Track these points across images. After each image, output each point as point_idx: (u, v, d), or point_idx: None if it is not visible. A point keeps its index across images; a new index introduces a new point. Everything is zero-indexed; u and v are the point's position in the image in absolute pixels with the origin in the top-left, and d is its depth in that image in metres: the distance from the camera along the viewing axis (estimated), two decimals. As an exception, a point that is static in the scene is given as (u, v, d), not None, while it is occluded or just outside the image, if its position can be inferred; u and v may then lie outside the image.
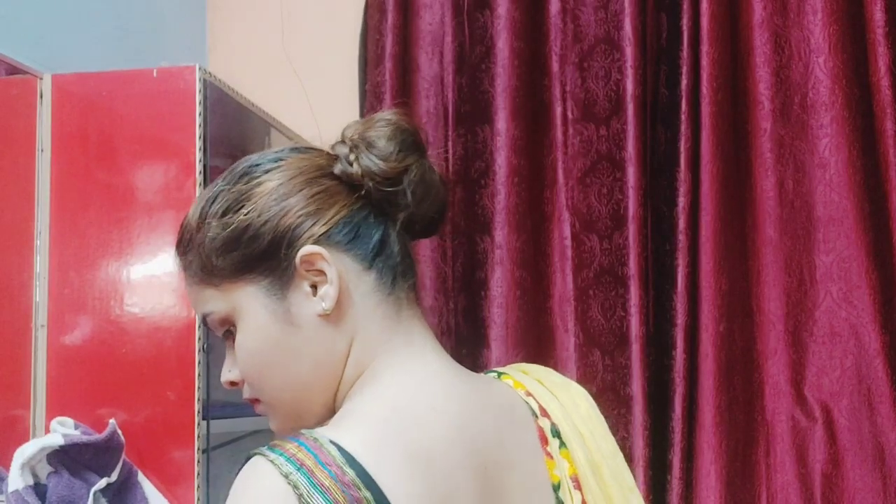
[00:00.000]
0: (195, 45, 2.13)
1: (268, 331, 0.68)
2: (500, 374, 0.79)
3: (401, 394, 0.67)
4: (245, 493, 0.59)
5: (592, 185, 1.83)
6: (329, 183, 0.69)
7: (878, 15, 1.65)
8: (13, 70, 1.41)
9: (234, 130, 1.77)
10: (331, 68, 2.09)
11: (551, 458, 0.72)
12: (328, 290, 0.67)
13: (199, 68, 1.40)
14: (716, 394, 1.70)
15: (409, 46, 1.96)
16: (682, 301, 1.71)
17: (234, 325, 0.70)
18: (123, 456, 1.29)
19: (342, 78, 2.07)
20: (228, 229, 0.68)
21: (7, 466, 1.21)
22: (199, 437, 1.33)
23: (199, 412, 1.33)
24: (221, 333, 0.72)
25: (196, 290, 0.71)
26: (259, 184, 0.69)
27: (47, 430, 1.29)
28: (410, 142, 0.71)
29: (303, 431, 0.62)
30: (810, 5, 1.73)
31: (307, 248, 0.66)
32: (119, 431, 1.28)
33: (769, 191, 1.74)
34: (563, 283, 1.84)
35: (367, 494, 0.57)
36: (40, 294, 1.40)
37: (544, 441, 0.73)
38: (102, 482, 1.24)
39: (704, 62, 1.73)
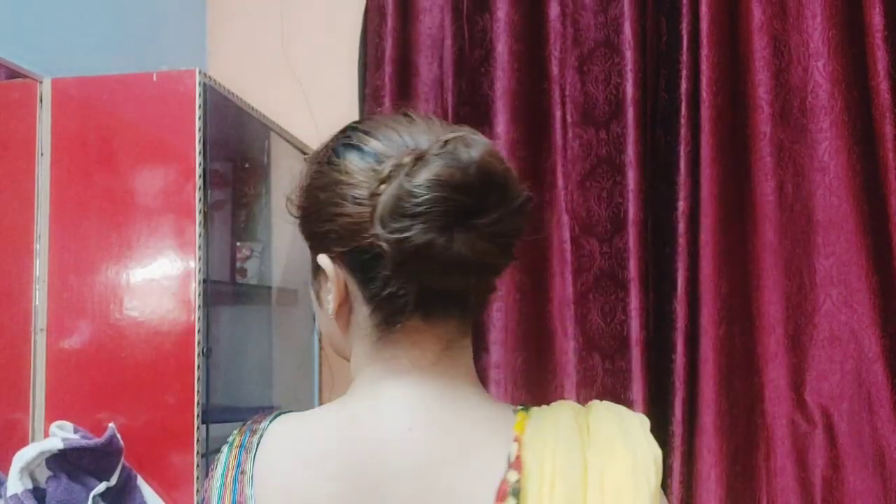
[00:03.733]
0: (195, 49, 2.13)
1: (313, 291, 0.76)
2: (523, 408, 0.71)
3: (340, 415, 0.70)
4: None
5: (592, 189, 1.83)
6: (363, 210, 0.65)
7: (876, 19, 1.65)
8: (13, 74, 1.41)
9: (233, 134, 1.77)
10: (330, 72, 2.10)
11: None
12: (329, 299, 0.70)
13: (199, 72, 1.40)
14: (716, 397, 1.70)
15: (408, 50, 1.96)
16: (683, 305, 1.71)
17: None
18: (122, 460, 1.28)
19: (342, 82, 2.07)
20: (294, 202, 0.73)
21: (6, 470, 1.21)
22: (198, 441, 1.33)
23: (198, 416, 1.33)
24: None
25: None
26: (318, 175, 0.70)
27: (46, 434, 1.29)
28: (442, 210, 0.62)
29: (266, 415, 0.72)
30: (809, 9, 1.73)
31: (321, 258, 0.70)
32: (118, 435, 1.27)
33: (769, 194, 1.74)
34: (563, 286, 1.84)
35: (249, 478, 0.68)
36: (40, 298, 1.40)
37: (501, 496, 0.64)
38: (101, 486, 1.24)
39: (704, 66, 1.73)
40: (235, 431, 0.72)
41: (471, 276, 0.67)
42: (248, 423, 0.72)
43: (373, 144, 0.68)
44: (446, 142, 0.64)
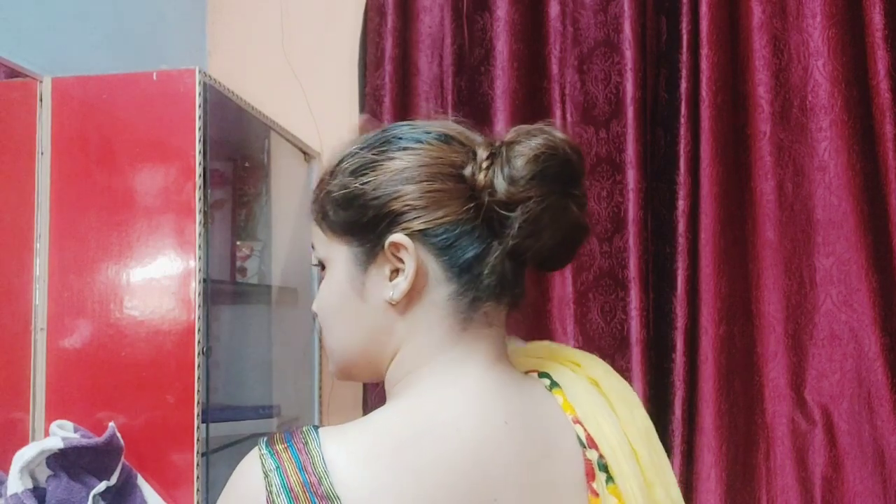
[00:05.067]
0: (195, 48, 2.13)
1: (341, 292, 0.72)
2: (552, 383, 0.74)
3: (424, 410, 0.67)
4: (232, 482, 0.64)
5: (592, 188, 1.83)
6: (451, 185, 0.68)
7: (876, 18, 1.66)
8: (13, 73, 1.41)
9: (233, 133, 1.77)
10: (330, 71, 2.10)
11: (597, 495, 0.68)
12: (400, 282, 0.68)
13: (199, 71, 1.40)
14: (716, 397, 1.70)
15: (408, 49, 1.96)
16: (682, 304, 1.71)
17: (324, 269, 0.75)
18: (123, 459, 1.28)
19: (342, 81, 2.07)
20: (346, 190, 0.70)
21: (6, 470, 1.21)
22: (198, 440, 1.33)
23: (198, 415, 1.33)
24: (318, 266, 0.77)
25: (313, 223, 0.76)
26: (390, 159, 0.69)
27: (46, 434, 1.29)
28: (551, 173, 0.67)
29: (303, 428, 0.64)
30: (809, 9, 1.73)
31: (397, 237, 0.67)
32: (118, 435, 1.27)
33: (769, 194, 1.74)
34: (563, 285, 1.84)
35: None
36: (40, 297, 1.40)
37: (590, 476, 0.69)
38: (102, 485, 1.24)
39: (704, 65, 1.73)
40: (268, 461, 0.62)
41: (573, 248, 0.72)
42: (278, 449, 0.63)
43: (443, 132, 0.71)
44: (530, 128, 0.70)
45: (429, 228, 0.67)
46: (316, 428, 0.65)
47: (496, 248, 0.68)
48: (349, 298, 0.71)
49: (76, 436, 1.25)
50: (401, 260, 0.68)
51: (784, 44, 1.75)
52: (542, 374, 0.75)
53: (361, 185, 0.69)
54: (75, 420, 1.31)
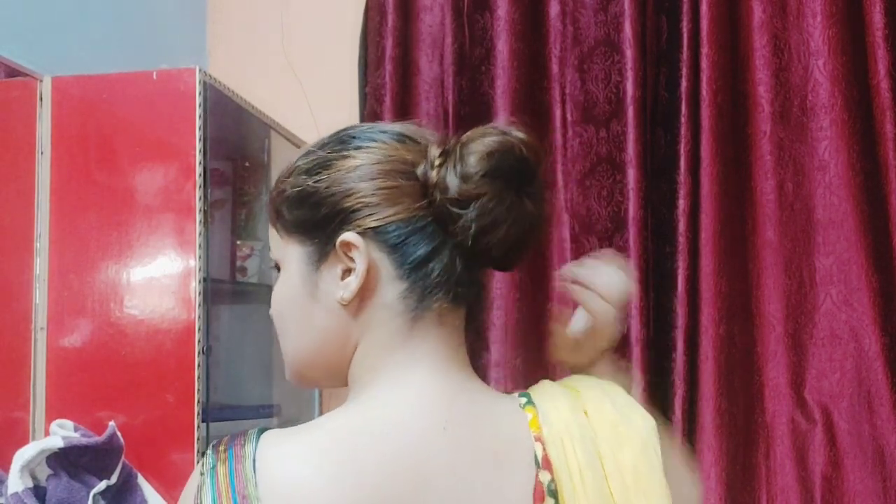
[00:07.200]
0: (195, 48, 2.13)
1: (294, 292, 0.71)
2: (528, 402, 0.72)
3: (365, 414, 0.67)
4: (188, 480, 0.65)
5: (592, 188, 1.83)
6: (404, 182, 0.68)
7: (877, 17, 1.66)
8: (13, 72, 1.41)
9: (233, 132, 1.77)
10: (331, 70, 2.09)
11: None
12: (351, 281, 0.67)
13: (199, 70, 1.40)
14: (716, 396, 1.70)
15: (409, 48, 1.96)
16: (683, 303, 1.71)
17: (280, 271, 0.74)
18: (123, 458, 1.28)
19: (342, 80, 2.07)
20: (300, 188, 0.70)
21: (6, 469, 1.21)
22: (198, 439, 1.33)
23: (198, 415, 1.33)
24: (275, 268, 0.76)
25: (271, 227, 0.75)
26: (344, 157, 0.69)
27: (47, 433, 1.29)
28: (505, 170, 0.66)
29: (249, 431, 0.65)
30: (810, 8, 1.73)
31: (347, 235, 0.67)
32: (118, 434, 1.28)
33: (769, 193, 1.74)
34: (563, 285, 1.84)
35: None
36: (40, 296, 1.40)
37: (539, 497, 0.66)
38: (102, 484, 1.24)
39: (704, 65, 1.73)
40: (208, 461, 0.63)
41: (526, 247, 0.70)
42: (220, 449, 0.64)
43: (398, 130, 0.71)
44: (486, 127, 0.69)
45: (381, 226, 0.67)
46: (262, 430, 0.65)
47: (448, 246, 0.67)
48: (302, 298, 0.70)
49: (76, 435, 1.25)
50: (352, 259, 0.67)
51: (784, 43, 1.75)
52: (522, 394, 0.74)
53: (315, 183, 0.69)
54: (75, 419, 1.31)
